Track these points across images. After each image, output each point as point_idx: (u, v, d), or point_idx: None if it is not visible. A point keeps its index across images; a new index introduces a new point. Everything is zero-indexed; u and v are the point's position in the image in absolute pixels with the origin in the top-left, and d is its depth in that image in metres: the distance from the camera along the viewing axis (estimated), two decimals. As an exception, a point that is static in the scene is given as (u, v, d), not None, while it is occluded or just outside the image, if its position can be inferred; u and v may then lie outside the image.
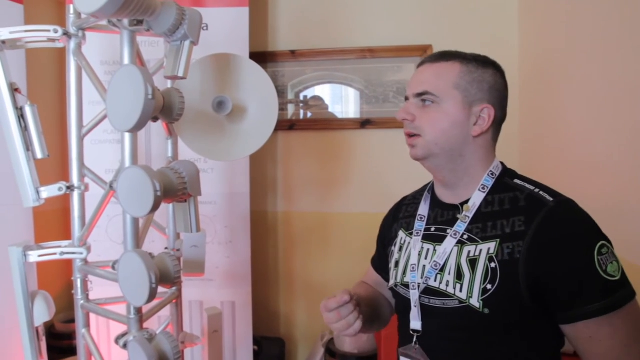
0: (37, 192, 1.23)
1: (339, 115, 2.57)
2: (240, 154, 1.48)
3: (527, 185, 0.93)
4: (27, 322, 1.29)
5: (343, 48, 2.50)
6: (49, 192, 1.24)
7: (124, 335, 1.23)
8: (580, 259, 0.83)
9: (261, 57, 2.50)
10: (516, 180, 0.96)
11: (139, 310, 1.20)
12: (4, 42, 1.23)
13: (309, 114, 2.61)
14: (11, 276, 1.26)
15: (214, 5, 2.20)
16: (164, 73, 1.19)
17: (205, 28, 2.11)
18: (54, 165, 2.39)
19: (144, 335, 1.18)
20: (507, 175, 0.98)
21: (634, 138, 1.38)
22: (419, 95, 0.96)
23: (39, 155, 1.24)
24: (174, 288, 1.42)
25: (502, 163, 1.00)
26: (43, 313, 1.33)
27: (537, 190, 0.92)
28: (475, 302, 0.88)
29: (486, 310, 0.87)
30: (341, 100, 2.58)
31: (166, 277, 1.19)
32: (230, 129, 1.43)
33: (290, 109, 2.60)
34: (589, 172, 1.64)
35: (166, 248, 1.50)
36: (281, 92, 2.56)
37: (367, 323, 1.02)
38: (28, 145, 1.22)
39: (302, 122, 2.61)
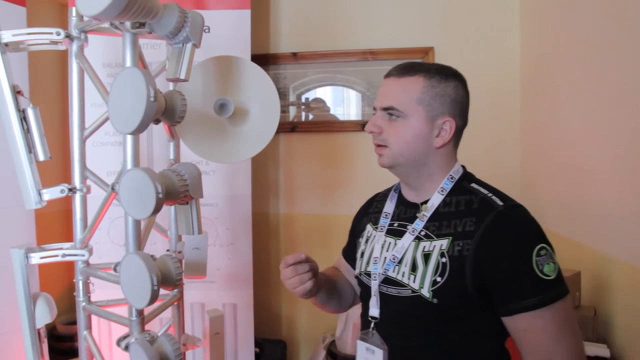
0: (39, 194, 1.23)
1: (341, 118, 2.58)
2: (242, 156, 1.48)
3: (482, 190, 1.01)
4: (28, 324, 1.29)
5: (344, 50, 2.50)
6: (50, 194, 1.24)
7: (125, 337, 1.23)
8: (519, 258, 0.92)
9: (263, 59, 2.51)
10: (473, 184, 1.04)
11: (140, 312, 1.20)
12: (6, 44, 1.23)
13: (311, 116, 2.61)
14: (13, 278, 1.26)
15: (216, 7, 2.21)
16: (166, 75, 1.20)
17: (207, 30, 2.11)
18: (56, 167, 2.39)
19: (146, 337, 1.18)
20: (465, 179, 1.05)
21: (637, 142, 1.37)
22: (386, 109, 1.03)
23: (41, 158, 1.24)
24: (175, 290, 1.42)
25: (463, 167, 1.08)
26: (45, 315, 1.33)
27: (490, 194, 0.99)
28: (425, 292, 0.96)
29: (435, 300, 0.95)
30: (343, 102, 2.58)
31: (168, 279, 1.19)
32: (232, 131, 1.43)
33: (292, 111, 2.60)
34: (591, 177, 1.64)
35: (168, 250, 1.50)
36: (283, 95, 2.56)
37: (324, 294, 1.17)
38: (30, 148, 1.23)
39: (303, 124, 2.61)
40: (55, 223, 2.48)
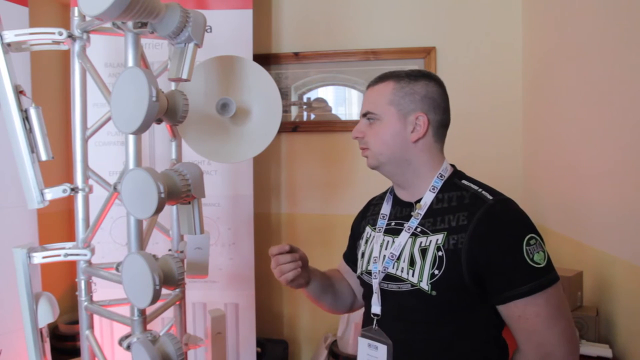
0: (42, 194, 1.24)
1: (342, 117, 2.57)
2: (244, 155, 1.48)
3: (472, 186, 1.07)
4: (31, 324, 1.29)
5: (346, 50, 2.50)
6: (53, 193, 1.25)
7: (127, 336, 1.23)
8: (510, 249, 0.97)
9: (265, 59, 2.51)
10: (463, 181, 1.09)
11: (142, 312, 1.20)
12: (9, 44, 1.24)
13: (313, 116, 2.61)
14: (15, 277, 1.27)
15: (217, 7, 2.21)
16: (167, 75, 1.20)
17: (209, 30, 2.12)
18: (58, 167, 2.40)
19: (148, 336, 1.18)
20: (456, 176, 1.11)
21: (638, 142, 1.37)
22: (364, 115, 1.11)
23: (44, 157, 1.24)
24: (177, 290, 1.42)
25: (452, 165, 1.13)
26: (47, 314, 1.33)
27: (480, 190, 1.05)
28: (424, 285, 1.01)
29: (434, 292, 1.00)
30: (344, 102, 2.58)
31: (170, 279, 1.20)
32: (234, 131, 1.43)
33: (294, 110, 2.60)
34: (594, 177, 1.64)
35: (170, 250, 1.50)
36: (284, 94, 2.56)
37: (317, 288, 1.25)
38: (33, 147, 1.23)
39: (305, 124, 2.61)
40: (57, 223, 2.48)
